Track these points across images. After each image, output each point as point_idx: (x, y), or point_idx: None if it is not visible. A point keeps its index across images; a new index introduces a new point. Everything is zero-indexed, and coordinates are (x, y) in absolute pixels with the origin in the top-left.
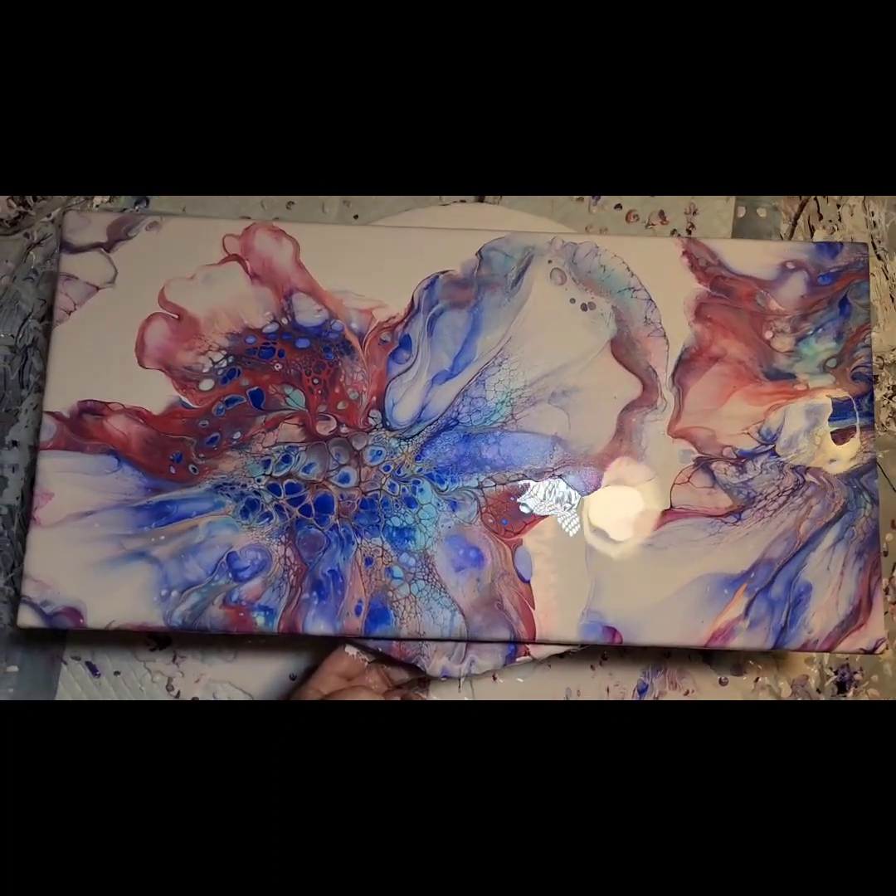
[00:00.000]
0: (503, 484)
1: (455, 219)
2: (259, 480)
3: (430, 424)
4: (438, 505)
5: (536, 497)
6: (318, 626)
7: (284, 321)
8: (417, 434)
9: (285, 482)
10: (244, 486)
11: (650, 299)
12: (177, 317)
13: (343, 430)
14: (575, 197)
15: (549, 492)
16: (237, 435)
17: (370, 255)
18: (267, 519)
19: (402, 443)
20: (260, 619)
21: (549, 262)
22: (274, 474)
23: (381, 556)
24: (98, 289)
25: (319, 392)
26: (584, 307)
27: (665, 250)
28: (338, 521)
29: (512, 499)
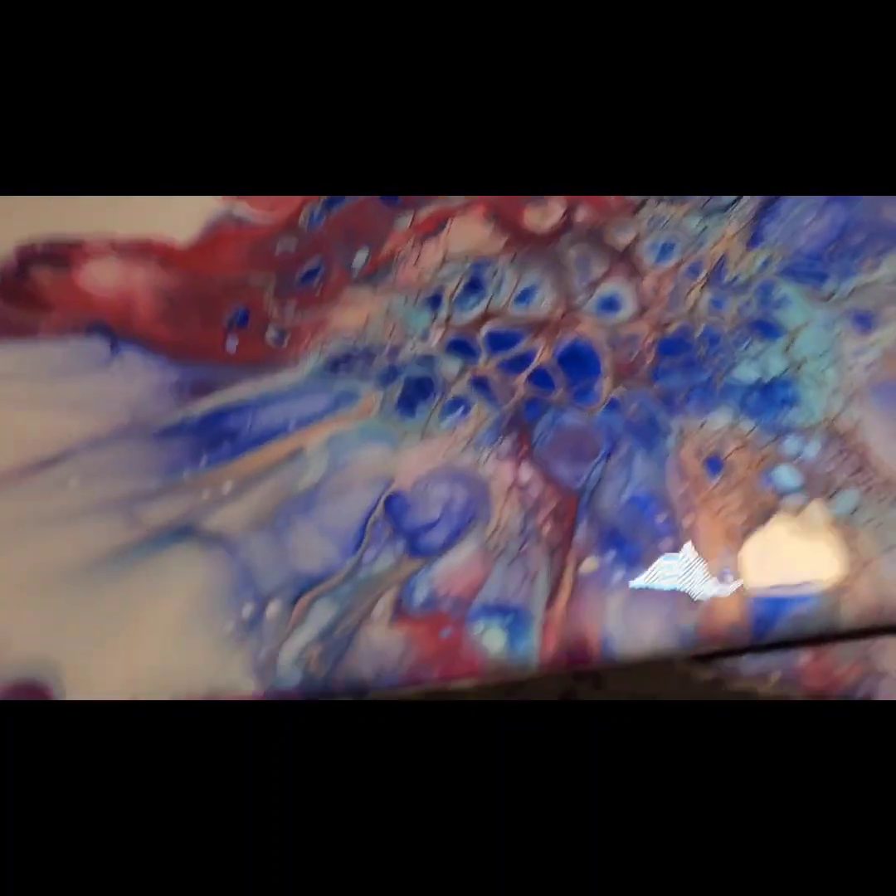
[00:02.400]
0: None
1: None
2: (424, 338)
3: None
4: (829, 325)
5: None
6: (645, 631)
7: None
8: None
9: (485, 330)
10: (394, 352)
11: None
12: None
13: (580, 214)
14: None
15: None
16: (360, 255)
17: None
18: (458, 410)
19: (711, 218)
20: (494, 641)
21: None
22: (454, 319)
23: (740, 447)
24: None
25: None
26: None
27: None
28: (616, 391)
29: None
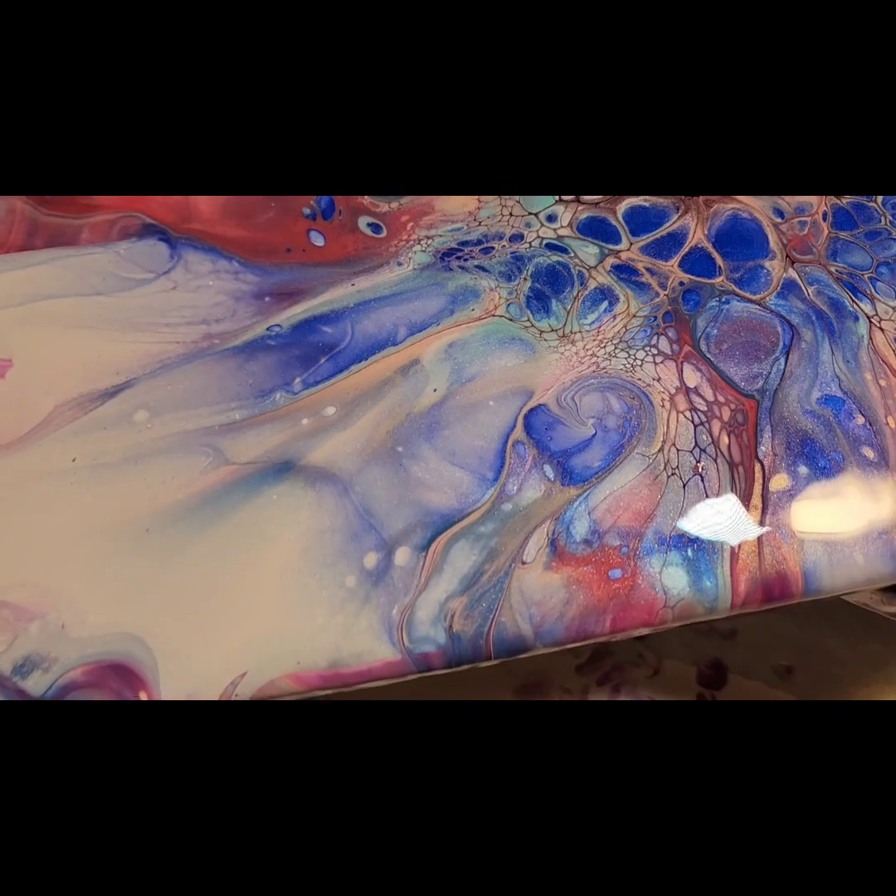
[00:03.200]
0: None
1: None
2: (550, 220)
3: None
4: None
5: None
6: (853, 557)
7: None
8: None
9: (623, 207)
10: (516, 238)
11: None
12: None
13: None
14: None
15: None
16: None
17: None
18: (601, 304)
19: None
20: (675, 580)
21: None
22: (583, 195)
23: None
24: None
25: None
26: None
27: None
28: (789, 273)
29: None
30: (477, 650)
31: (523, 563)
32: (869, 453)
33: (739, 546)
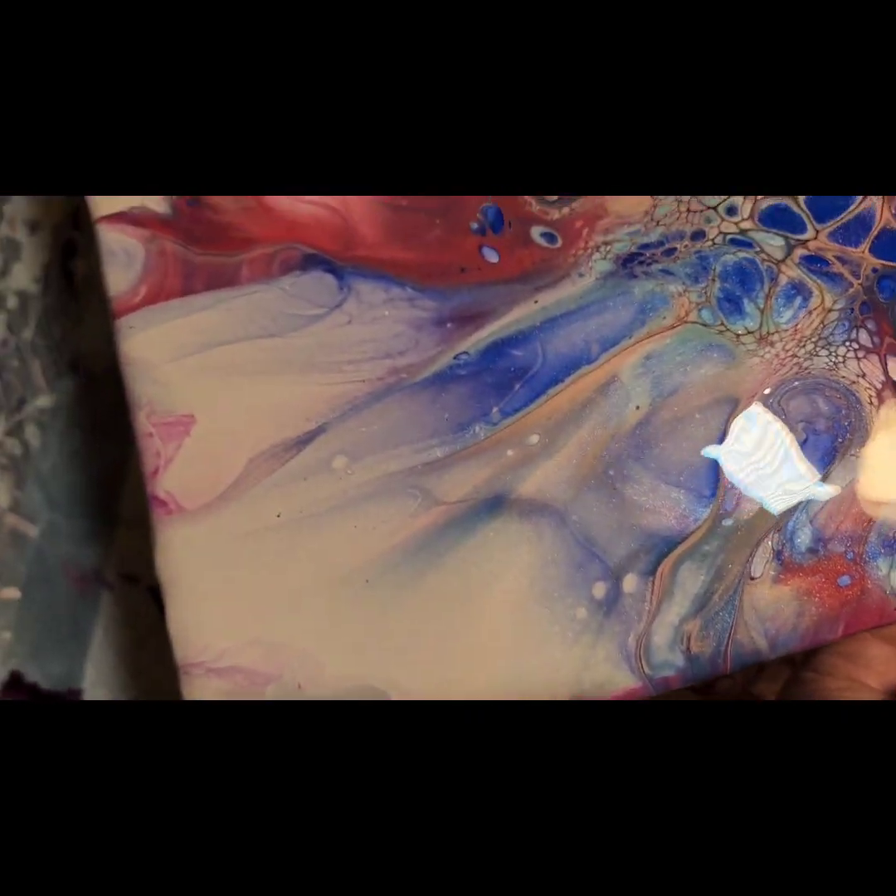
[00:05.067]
0: None
1: None
2: (730, 212)
3: None
4: None
5: None
6: None
7: None
8: None
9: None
10: (697, 236)
11: None
12: None
13: None
14: None
15: None
16: None
17: None
18: (795, 300)
19: None
20: None
21: None
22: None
23: None
24: None
25: None
26: None
27: None
28: None
29: None
30: (715, 668)
31: (752, 578)
32: None
33: None
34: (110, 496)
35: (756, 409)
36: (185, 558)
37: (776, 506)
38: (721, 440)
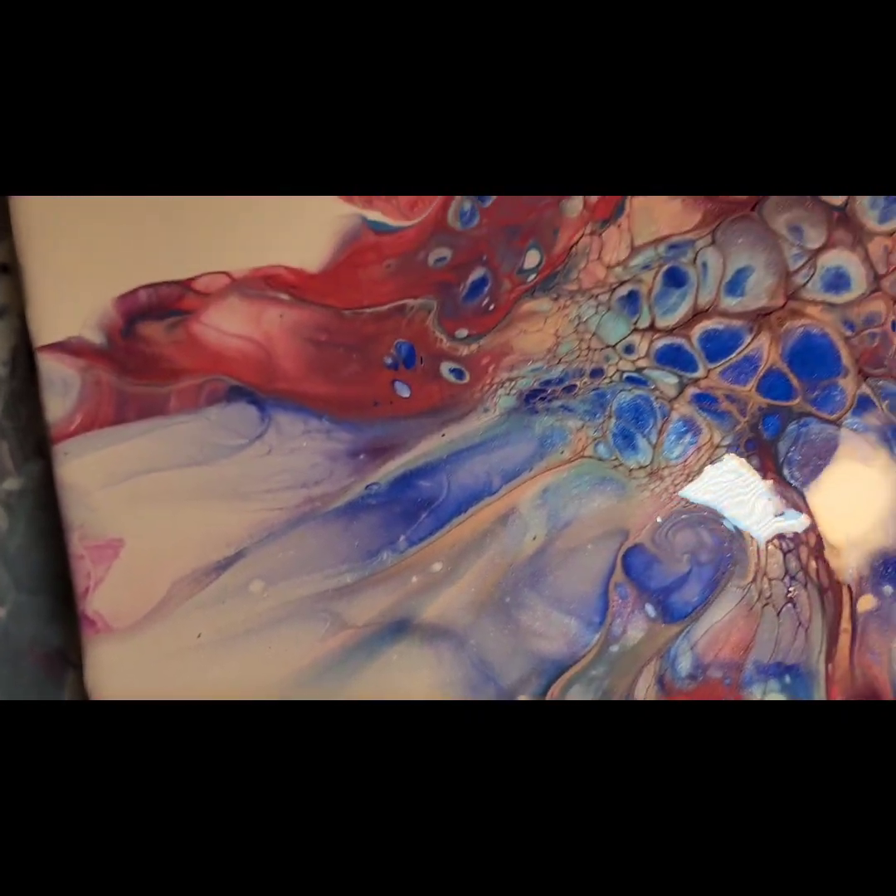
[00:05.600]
0: None
1: None
2: (628, 351)
3: None
4: None
5: None
6: None
7: None
8: None
9: (697, 331)
10: (596, 373)
11: None
12: None
13: None
14: None
15: None
16: (531, 256)
17: None
18: (685, 436)
19: None
20: None
21: None
22: (659, 322)
23: None
24: None
25: None
26: None
27: None
28: (864, 389)
29: None
30: None
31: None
32: None
33: (832, 668)
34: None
35: (644, 540)
36: (111, 676)
37: (662, 634)
38: (612, 570)
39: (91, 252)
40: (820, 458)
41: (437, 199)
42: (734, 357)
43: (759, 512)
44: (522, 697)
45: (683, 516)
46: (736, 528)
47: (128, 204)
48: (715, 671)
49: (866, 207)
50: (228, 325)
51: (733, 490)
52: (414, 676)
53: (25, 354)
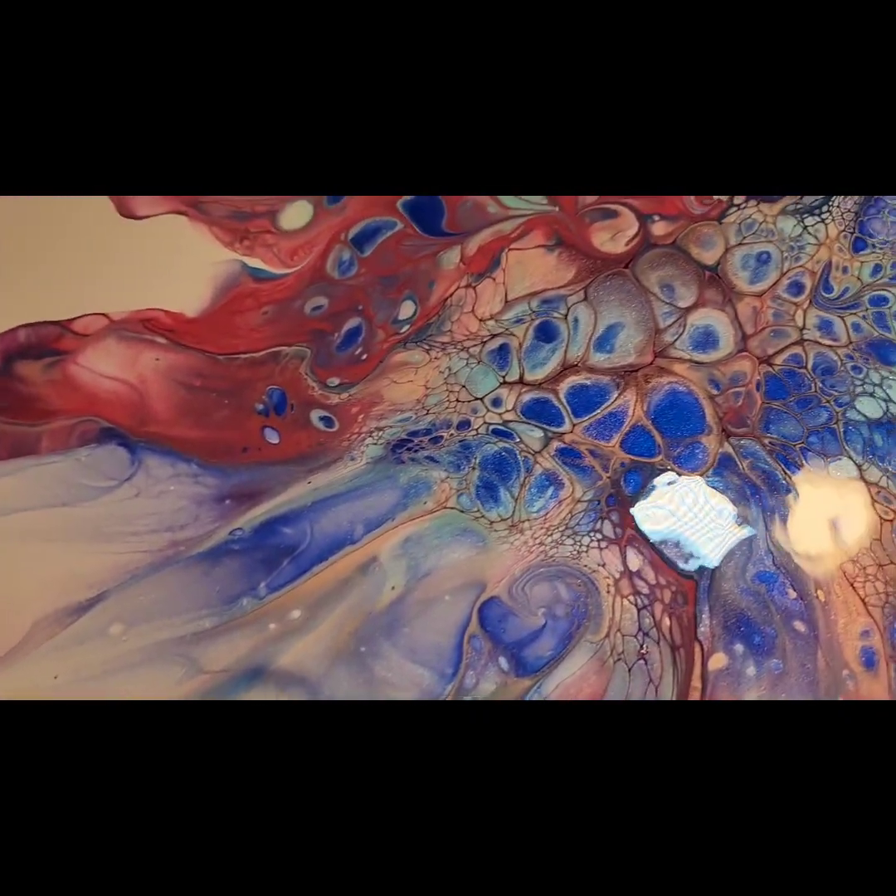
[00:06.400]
0: None
1: None
2: (495, 404)
3: None
4: None
5: None
6: None
7: None
8: None
9: (565, 386)
10: (463, 425)
11: None
12: None
13: (657, 226)
14: None
15: None
16: (406, 307)
17: None
18: (547, 491)
19: (808, 217)
20: None
21: None
22: (527, 376)
23: (872, 499)
24: None
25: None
26: None
27: None
28: (725, 448)
29: None
30: None
31: None
32: (800, 627)
33: None
34: None
35: (500, 593)
36: None
37: (514, 687)
38: (467, 622)
39: None
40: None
41: (319, 247)
42: (599, 412)
43: (616, 568)
44: None
45: (541, 570)
46: (592, 582)
47: (8, 242)
48: None
49: (737, 268)
50: (104, 367)
51: (592, 545)
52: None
53: None
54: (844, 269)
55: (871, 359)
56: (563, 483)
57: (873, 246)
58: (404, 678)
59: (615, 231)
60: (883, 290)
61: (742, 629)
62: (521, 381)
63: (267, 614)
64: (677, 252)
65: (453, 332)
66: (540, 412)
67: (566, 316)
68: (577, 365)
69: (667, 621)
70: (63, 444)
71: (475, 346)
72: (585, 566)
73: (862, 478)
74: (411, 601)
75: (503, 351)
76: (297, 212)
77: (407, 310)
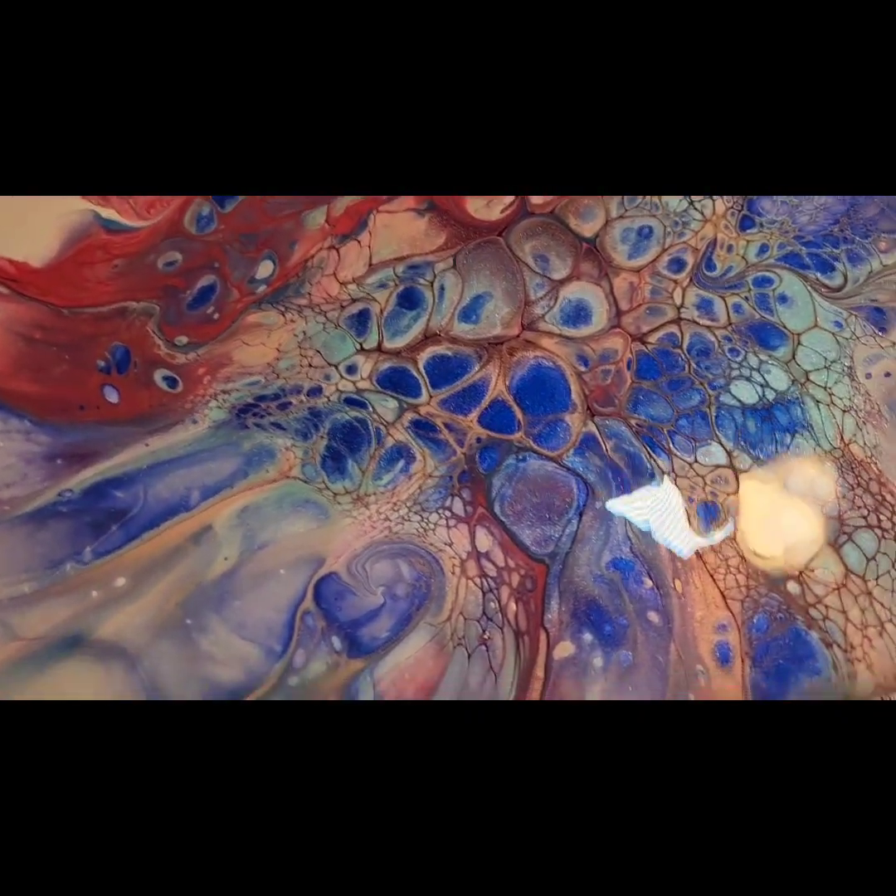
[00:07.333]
0: None
1: None
2: (350, 371)
3: None
4: (839, 326)
5: None
6: None
7: None
8: None
9: (425, 356)
10: (314, 392)
11: None
12: None
13: (535, 197)
14: None
15: None
16: (264, 266)
17: None
18: (397, 464)
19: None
20: None
21: None
22: (387, 344)
23: (738, 488)
24: None
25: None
26: None
27: None
28: (589, 427)
29: None
30: None
31: None
32: (654, 617)
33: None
34: None
35: (339, 569)
36: None
37: (346, 669)
38: (301, 598)
39: None
40: (533, 495)
41: (177, 201)
42: (459, 385)
43: (463, 548)
44: None
45: (384, 547)
46: (437, 562)
47: None
48: None
49: (616, 241)
50: None
51: (439, 523)
52: (82, 696)
53: None
54: (729, 248)
55: (751, 342)
56: (414, 456)
57: (761, 225)
58: (230, 654)
59: (490, 198)
60: (768, 271)
61: (592, 618)
62: (379, 349)
63: (90, 581)
64: (555, 222)
65: (312, 295)
66: (397, 382)
67: (432, 283)
68: (439, 335)
69: (513, 606)
70: None
71: (334, 310)
72: (431, 544)
73: (731, 465)
74: (244, 574)
75: (363, 316)
76: None
77: (265, 269)
